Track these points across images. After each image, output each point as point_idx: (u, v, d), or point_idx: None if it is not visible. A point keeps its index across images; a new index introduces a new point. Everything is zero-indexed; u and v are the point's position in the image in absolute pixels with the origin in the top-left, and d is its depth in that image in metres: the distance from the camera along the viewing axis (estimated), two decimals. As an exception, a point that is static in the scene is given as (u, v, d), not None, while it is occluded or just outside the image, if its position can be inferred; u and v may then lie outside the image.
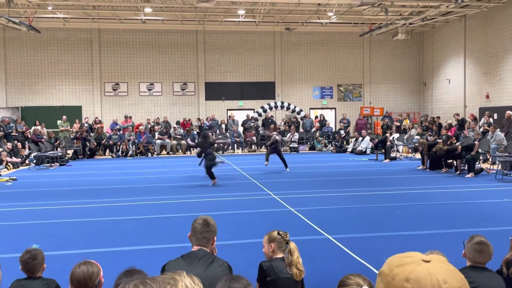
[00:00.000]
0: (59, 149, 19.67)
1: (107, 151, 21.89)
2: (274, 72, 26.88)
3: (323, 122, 24.73)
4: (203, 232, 3.10)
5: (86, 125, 22.32)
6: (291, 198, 9.95)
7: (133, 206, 9.53)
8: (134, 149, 21.42)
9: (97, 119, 23.40)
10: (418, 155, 18.07)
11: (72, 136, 21.49)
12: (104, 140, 21.84)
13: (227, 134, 22.25)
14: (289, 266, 3.41)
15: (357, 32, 26.30)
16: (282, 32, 26.51)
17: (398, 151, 20.43)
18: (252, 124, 23.92)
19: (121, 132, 22.16)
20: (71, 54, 25.11)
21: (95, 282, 3.07)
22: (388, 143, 18.55)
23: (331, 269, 5.44)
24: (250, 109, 26.04)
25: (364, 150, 20.70)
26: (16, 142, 18.89)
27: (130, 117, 23.78)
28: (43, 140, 20.02)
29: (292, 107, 24.81)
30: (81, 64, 25.27)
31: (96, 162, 19.33)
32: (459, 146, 14.05)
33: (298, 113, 24.83)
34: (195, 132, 23.08)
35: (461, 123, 20.01)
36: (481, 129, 17.82)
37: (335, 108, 27.69)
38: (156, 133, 22.51)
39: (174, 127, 22.89)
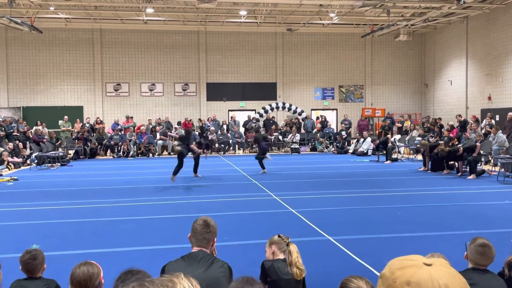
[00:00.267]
0: (60, 149, 19.68)
1: (108, 151, 21.90)
2: (275, 73, 26.88)
3: (324, 123, 24.72)
4: (203, 233, 3.09)
5: (87, 125, 22.34)
6: (292, 199, 9.94)
7: (134, 206, 9.52)
8: (135, 150, 21.43)
9: (98, 119, 23.42)
10: (419, 157, 18.04)
11: (73, 136, 21.51)
12: (106, 141, 21.85)
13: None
14: (289, 266, 3.47)
15: (358, 33, 26.29)
16: (284, 33, 26.52)
17: (399, 152, 20.40)
18: (253, 124, 23.91)
19: (122, 132, 22.17)
20: (72, 54, 25.14)
21: (95, 283, 3.06)
22: (390, 144, 18.52)
23: (332, 270, 5.43)
24: (252, 110, 26.04)
25: (365, 151, 20.68)
26: (17, 142, 18.92)
27: (132, 117, 23.80)
28: (44, 140, 20.04)
29: (293, 108, 24.80)
30: (82, 64, 25.30)
31: (97, 162, 19.34)
32: (461, 148, 14.02)
33: (300, 114, 24.81)
34: (196, 133, 23.09)
35: (463, 124, 19.98)
36: (483, 131, 17.79)
37: (336, 109, 27.68)
38: (158, 134, 22.52)
39: (175, 127, 22.89)
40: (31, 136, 20.24)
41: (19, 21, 19.70)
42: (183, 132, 22.42)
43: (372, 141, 20.04)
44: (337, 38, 27.19)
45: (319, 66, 27.26)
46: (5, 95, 24.61)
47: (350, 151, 21.81)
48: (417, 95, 28.17)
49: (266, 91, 26.75)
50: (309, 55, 27.06)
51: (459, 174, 13.91)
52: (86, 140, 20.99)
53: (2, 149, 17.08)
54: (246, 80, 26.66)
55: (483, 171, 13.95)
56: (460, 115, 21.15)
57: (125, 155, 21.21)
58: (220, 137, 22.98)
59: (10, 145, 17.95)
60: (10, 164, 16.75)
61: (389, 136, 20.18)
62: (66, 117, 23.10)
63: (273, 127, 23.89)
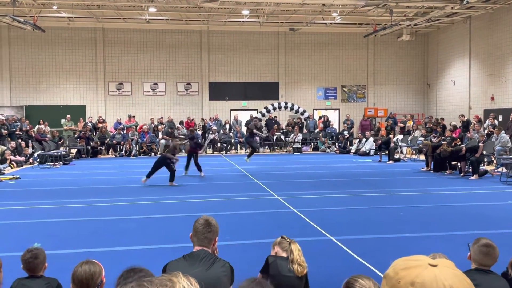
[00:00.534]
0: (62, 148, 19.71)
1: (111, 150, 21.93)
2: (278, 73, 26.86)
3: (326, 123, 24.69)
4: (205, 233, 3.08)
5: (89, 124, 22.37)
6: (294, 198, 9.92)
7: (136, 205, 9.52)
8: (137, 149, 21.44)
9: (100, 118, 23.45)
10: (422, 157, 18.00)
11: (75, 135, 21.54)
12: (108, 140, 21.88)
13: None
14: (291, 263, 3.57)
15: (361, 32, 26.24)
16: (286, 32, 26.49)
17: (402, 152, 20.36)
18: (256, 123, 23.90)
19: (124, 131, 22.19)
20: (75, 53, 25.17)
21: (96, 281, 3.05)
22: (392, 144, 18.49)
23: (334, 270, 5.42)
24: (254, 110, 26.02)
25: (367, 151, 20.65)
26: (20, 140, 18.95)
27: (134, 116, 23.82)
28: (46, 139, 20.08)
29: (295, 107, 24.77)
30: (85, 63, 25.33)
31: (99, 161, 19.36)
32: (464, 148, 13.98)
33: (302, 114, 24.80)
34: (199, 132, 23.10)
35: (466, 125, 19.93)
36: (486, 131, 17.74)
37: (339, 109, 27.64)
38: (160, 133, 22.53)
39: (177, 127, 22.90)
40: (33, 135, 20.27)
41: (22, 20, 19.73)
42: (185, 131, 22.49)
43: (374, 141, 20.01)
44: (340, 38, 27.15)
45: (322, 66, 27.23)
46: (8, 94, 24.66)
47: (352, 151, 21.78)
48: (420, 95, 28.12)
49: (268, 90, 26.73)
50: (312, 55, 27.03)
51: (462, 174, 13.87)
52: (88, 139, 21.02)
53: (5, 147, 17.11)
54: (249, 79, 26.65)
55: (486, 172, 13.91)
56: (463, 115, 21.10)
57: (127, 154, 21.24)
58: (222, 137, 22.98)
59: (13, 143, 17.99)
60: (13, 162, 16.78)
61: (391, 136, 20.14)
62: (68, 116, 23.14)
63: (275, 126, 23.88)
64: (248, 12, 22.61)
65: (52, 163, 17.32)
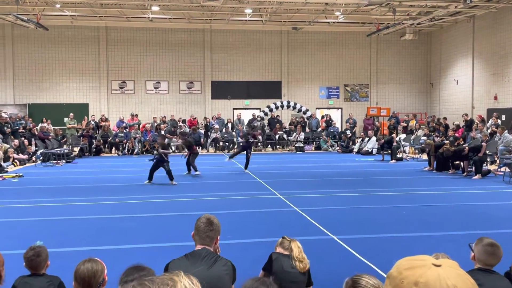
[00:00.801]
0: (65, 146, 19.76)
1: (113, 148, 21.96)
2: (280, 72, 26.84)
3: (329, 122, 24.67)
4: (207, 231, 3.08)
5: (92, 122, 22.40)
6: (296, 197, 9.92)
7: (138, 204, 9.53)
8: (140, 147, 21.47)
9: (103, 117, 23.49)
10: (424, 156, 17.96)
11: (78, 134, 21.58)
12: (110, 138, 21.91)
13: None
14: (292, 260, 3.67)
15: (364, 32, 26.20)
16: (289, 31, 26.46)
17: (404, 152, 20.32)
18: (258, 123, 23.90)
19: (127, 130, 22.22)
20: (78, 51, 25.21)
21: (99, 280, 3.06)
22: (394, 143, 18.45)
23: (336, 269, 5.41)
24: (256, 108, 26.02)
25: (370, 151, 20.61)
26: (23, 139, 18.99)
27: (137, 115, 23.85)
28: (49, 137, 20.12)
29: (298, 106, 24.75)
30: (88, 61, 25.36)
31: (102, 159, 19.39)
32: (466, 148, 13.95)
33: (304, 113, 24.77)
34: (202, 131, 23.11)
35: (469, 124, 19.88)
36: (489, 131, 17.69)
37: (341, 108, 27.61)
38: (162, 132, 22.54)
39: (180, 125, 22.93)
40: (36, 133, 20.32)
41: (25, 18, 19.76)
42: (187, 129, 22.51)
43: (377, 140, 19.98)
44: (343, 37, 27.11)
45: (324, 65, 27.19)
46: (11, 92, 24.72)
47: (355, 150, 21.75)
48: (423, 95, 28.05)
49: (271, 89, 26.71)
50: (314, 54, 27.00)
51: (465, 174, 13.84)
52: (91, 138, 21.05)
53: (8, 145, 17.15)
54: (251, 78, 26.64)
55: (489, 171, 13.87)
56: (466, 114, 21.06)
57: (129, 152, 21.26)
58: (225, 135, 22.98)
59: (16, 141, 18.03)
60: (16, 160, 16.82)
61: (394, 135, 20.10)
62: (71, 114, 23.19)
63: (277, 125, 23.87)
64: (251, 11, 22.60)
65: (55, 161, 17.35)
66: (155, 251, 6.10)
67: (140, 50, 25.68)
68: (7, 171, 14.68)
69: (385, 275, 1.23)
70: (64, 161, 17.64)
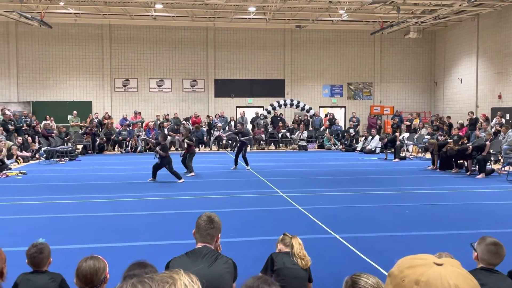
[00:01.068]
0: (69, 144, 19.81)
1: (116, 146, 22.00)
2: (283, 70, 26.80)
3: (332, 120, 24.63)
4: (207, 229, 3.08)
5: (96, 120, 22.45)
6: (298, 196, 9.91)
7: (140, 201, 9.55)
8: (143, 145, 21.50)
9: (107, 115, 23.53)
10: (428, 155, 17.91)
11: (82, 131, 21.63)
12: (114, 136, 21.95)
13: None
14: (293, 256, 3.70)
15: (368, 30, 26.12)
16: (293, 29, 26.42)
17: (408, 150, 20.27)
18: (261, 121, 23.90)
19: (130, 128, 22.25)
20: (82, 49, 25.25)
21: (100, 277, 3.06)
22: (398, 142, 18.40)
23: (338, 268, 5.40)
24: (259, 107, 26.01)
25: (373, 149, 20.57)
26: (26, 136, 19.05)
27: (140, 113, 23.88)
28: (53, 134, 20.18)
29: (301, 105, 24.72)
30: (92, 59, 25.40)
31: (105, 157, 19.42)
32: (470, 146, 13.89)
33: (308, 111, 24.75)
34: (205, 129, 23.12)
35: (474, 122, 19.80)
36: (493, 130, 17.62)
37: (345, 107, 27.56)
38: (166, 130, 22.57)
39: (183, 123, 22.95)
40: (40, 131, 20.38)
41: (29, 16, 19.80)
42: (190, 127, 22.53)
43: (380, 139, 19.94)
44: (346, 35, 27.04)
45: (328, 63, 27.14)
46: (15, 90, 24.79)
47: (358, 149, 21.71)
48: (427, 93, 27.97)
49: (274, 88, 26.69)
50: (318, 52, 26.95)
51: (468, 173, 13.79)
52: (94, 135, 21.10)
53: (12, 143, 17.21)
54: (254, 76, 26.62)
55: (493, 170, 13.81)
56: (472, 112, 20.99)
57: (133, 150, 21.30)
58: (228, 134, 22.97)
59: (20, 139, 18.09)
60: (19, 158, 16.87)
61: (397, 134, 20.05)
62: (75, 112, 23.24)
63: (280, 124, 23.86)
64: (255, 9, 22.57)
65: (58, 159, 17.40)
66: (156, 249, 6.11)
67: (144, 48, 25.70)
68: (10, 169, 14.72)
69: (387, 274, 1.22)
70: (67, 158, 17.69)
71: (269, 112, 24.58)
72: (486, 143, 13.91)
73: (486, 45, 22.72)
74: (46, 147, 18.40)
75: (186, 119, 23.92)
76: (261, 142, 23.55)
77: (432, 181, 12.49)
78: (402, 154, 18.57)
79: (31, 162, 17.34)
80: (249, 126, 24.03)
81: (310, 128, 24.25)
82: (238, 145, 15.09)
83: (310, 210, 8.48)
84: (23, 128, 19.76)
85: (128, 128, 22.03)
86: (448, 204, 9.24)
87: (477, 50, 23.38)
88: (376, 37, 26.73)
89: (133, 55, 25.68)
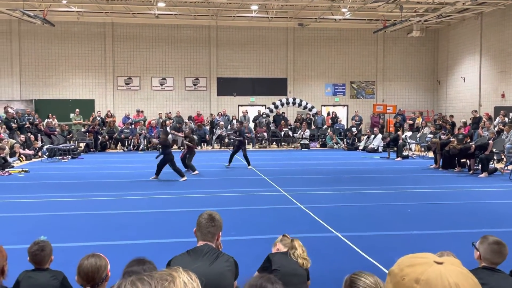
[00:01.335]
0: (71, 142, 19.84)
1: (119, 144, 22.03)
2: (286, 68, 26.78)
3: (335, 119, 24.61)
4: (208, 227, 3.08)
5: (98, 118, 22.48)
6: (300, 194, 9.90)
7: (142, 200, 9.56)
8: (145, 143, 21.52)
9: (109, 113, 23.56)
10: (430, 154, 17.88)
11: (84, 130, 21.67)
12: (116, 134, 21.98)
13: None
14: (293, 256, 3.70)
15: (371, 28, 26.06)
16: (295, 28, 26.38)
17: (410, 149, 20.23)
18: (263, 120, 23.89)
19: (133, 126, 22.28)
20: (84, 47, 25.28)
21: (102, 275, 3.07)
22: (400, 141, 18.37)
23: (340, 266, 5.39)
24: (262, 105, 26.00)
25: (376, 148, 20.55)
26: (29, 134, 19.09)
27: (142, 111, 23.90)
28: (55, 132, 20.21)
29: (304, 103, 24.70)
30: (94, 58, 25.43)
31: (108, 155, 19.46)
32: (473, 145, 13.86)
33: (310, 110, 24.72)
34: (207, 128, 23.13)
35: (477, 121, 19.75)
36: (496, 129, 17.57)
37: (347, 105, 27.52)
38: (168, 128, 22.57)
39: (185, 122, 22.97)
40: (42, 129, 20.42)
41: (31, 14, 19.83)
42: (193, 125, 22.54)
43: (382, 138, 19.91)
44: (349, 34, 26.99)
45: (330, 62, 27.10)
46: (17, 88, 24.84)
47: (361, 147, 21.69)
48: (429, 92, 27.90)
49: (276, 86, 26.67)
50: (320, 51, 26.91)
51: (471, 172, 13.75)
52: (97, 133, 21.13)
53: (14, 141, 17.25)
54: (257, 75, 26.61)
55: (495, 169, 13.77)
56: (476, 111, 20.93)
57: (135, 148, 21.32)
58: (230, 132, 22.98)
59: (22, 137, 18.13)
60: (22, 156, 16.91)
61: (399, 133, 20.01)
62: (77, 110, 23.27)
63: (283, 122, 23.85)
64: (257, 8, 22.54)
65: (61, 157, 17.44)
66: (158, 247, 6.12)
67: (146, 47, 25.71)
68: (13, 166, 14.76)
69: (387, 273, 1.22)
70: (69, 156, 17.72)
71: (271, 111, 24.56)
72: (489, 142, 13.87)
73: (490, 44, 22.64)
74: (48, 145, 18.44)
75: (190, 118, 23.93)
76: (263, 140, 23.54)
77: (434, 180, 12.47)
78: (405, 153, 18.53)
79: (33, 160, 17.38)
80: (252, 125, 24.04)
81: (313, 127, 24.23)
82: (236, 143, 15.10)
83: (312, 208, 8.47)
84: (26, 126, 19.79)
85: (130, 127, 22.06)
86: (451, 203, 9.22)
87: (481, 49, 23.30)
88: (379, 36, 26.67)
89: (136, 53, 25.70)
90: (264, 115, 24.12)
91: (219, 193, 10.27)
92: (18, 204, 9.14)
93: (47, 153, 17.77)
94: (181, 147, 20.60)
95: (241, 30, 26.24)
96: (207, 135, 22.63)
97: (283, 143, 23.83)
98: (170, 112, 24.28)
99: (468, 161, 14.22)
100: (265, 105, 25.79)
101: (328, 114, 25.43)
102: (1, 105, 23.33)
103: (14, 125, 18.72)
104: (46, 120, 21.34)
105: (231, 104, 26.43)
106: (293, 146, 23.47)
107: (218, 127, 22.86)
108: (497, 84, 22.15)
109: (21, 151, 17.08)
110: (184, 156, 13.79)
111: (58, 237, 6.13)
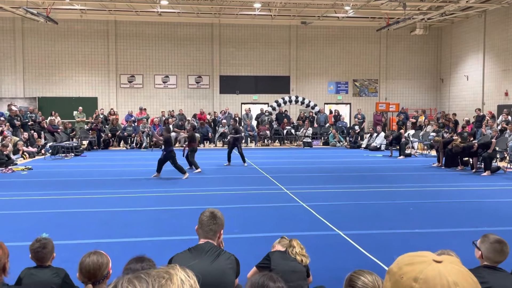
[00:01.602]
0: (74, 140, 19.89)
1: (122, 142, 22.07)
2: (289, 66, 26.75)
3: (337, 117, 24.58)
4: (210, 225, 3.08)
5: (101, 116, 22.52)
6: (303, 192, 9.90)
7: (145, 197, 9.57)
8: (148, 141, 21.55)
9: (112, 111, 23.59)
10: (433, 152, 17.84)
11: (87, 127, 21.72)
12: (119, 132, 22.02)
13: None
14: (291, 253, 3.75)
15: (374, 26, 26.00)
16: (298, 26, 26.34)
17: (413, 147, 20.20)
18: (266, 118, 23.89)
19: (135, 124, 22.31)
20: (87, 45, 25.32)
21: (103, 272, 3.08)
22: (403, 139, 18.34)
23: (342, 265, 5.38)
24: (264, 103, 25.98)
25: (378, 146, 20.52)
26: (32, 132, 19.15)
27: (145, 109, 23.93)
28: (59, 130, 20.26)
29: (306, 101, 24.68)
30: (97, 55, 25.46)
31: (111, 153, 19.49)
32: (476, 144, 13.82)
33: (313, 108, 24.70)
34: (209, 127, 23.13)
35: (480, 120, 19.69)
36: (499, 127, 17.51)
37: (350, 104, 27.48)
38: (171, 126, 22.60)
39: (188, 120, 22.98)
40: (46, 126, 20.47)
41: (35, 12, 19.86)
42: (195, 123, 22.55)
43: (385, 137, 19.88)
44: (352, 32, 26.93)
45: (333, 60, 27.05)
46: (21, 85, 24.91)
47: (363, 146, 21.66)
48: (433, 90, 27.82)
49: (279, 84, 26.65)
50: (323, 49, 26.86)
51: (474, 170, 13.72)
52: (99, 131, 21.17)
53: (17, 138, 17.30)
54: (260, 73, 26.59)
55: (498, 168, 13.74)
56: (479, 109, 20.87)
57: (138, 146, 21.36)
58: (233, 130, 22.97)
59: (25, 134, 18.18)
60: (25, 153, 16.97)
61: (402, 131, 19.97)
62: (80, 108, 23.32)
63: (285, 120, 23.84)
64: (260, 5, 22.52)
65: (64, 155, 17.48)
66: (160, 245, 6.13)
67: (149, 44, 25.73)
68: (16, 164, 14.81)
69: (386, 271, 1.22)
70: (72, 154, 17.76)
71: (274, 109, 24.55)
72: (492, 140, 13.83)
73: (493, 42, 22.56)
74: (51, 143, 18.49)
75: (194, 116, 23.94)
76: (266, 139, 23.54)
77: (437, 179, 12.44)
78: (407, 151, 18.51)
79: (36, 157, 17.43)
80: (254, 123, 24.04)
81: (315, 125, 24.22)
82: (230, 140, 15.07)
83: (314, 206, 8.47)
84: (29, 123, 19.85)
85: (133, 124, 22.09)
86: (453, 202, 9.20)
87: (484, 47, 23.22)
88: (382, 34, 26.60)
89: (139, 51, 25.72)
90: (266, 113, 24.12)
91: (221, 191, 10.27)
92: (20, 201, 9.17)
93: (50, 151, 17.82)
94: (183, 145, 20.63)
95: (244, 28, 26.22)
96: (209, 133, 22.64)
97: (285, 141, 23.82)
98: (172, 110, 24.30)
99: (471, 160, 14.19)
100: (267, 103, 25.78)
101: (331, 112, 25.40)
102: (4, 102, 23.41)
103: (17, 123, 18.78)
104: (49, 118, 21.40)
105: (233, 102, 26.42)
106: (295, 144, 23.46)
107: (221, 125, 22.86)
108: (500, 82, 22.07)
109: (24, 148, 17.13)
110: (186, 154, 13.81)
111: (60, 235, 6.15)
